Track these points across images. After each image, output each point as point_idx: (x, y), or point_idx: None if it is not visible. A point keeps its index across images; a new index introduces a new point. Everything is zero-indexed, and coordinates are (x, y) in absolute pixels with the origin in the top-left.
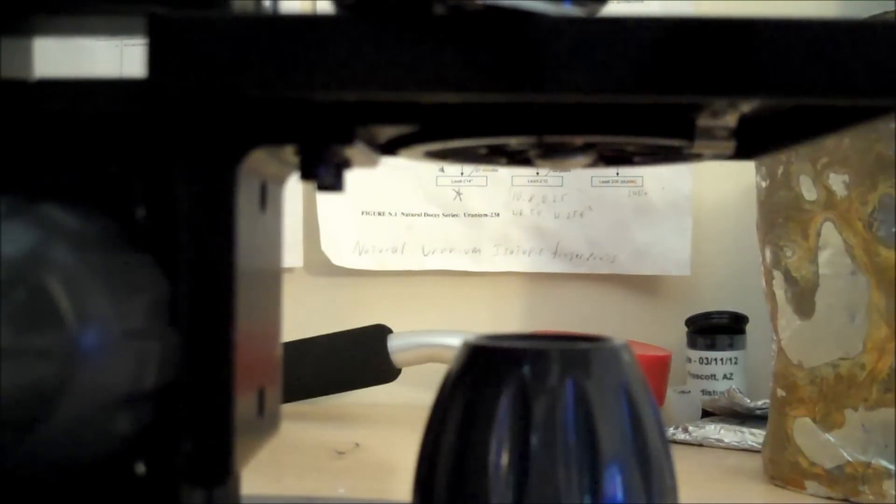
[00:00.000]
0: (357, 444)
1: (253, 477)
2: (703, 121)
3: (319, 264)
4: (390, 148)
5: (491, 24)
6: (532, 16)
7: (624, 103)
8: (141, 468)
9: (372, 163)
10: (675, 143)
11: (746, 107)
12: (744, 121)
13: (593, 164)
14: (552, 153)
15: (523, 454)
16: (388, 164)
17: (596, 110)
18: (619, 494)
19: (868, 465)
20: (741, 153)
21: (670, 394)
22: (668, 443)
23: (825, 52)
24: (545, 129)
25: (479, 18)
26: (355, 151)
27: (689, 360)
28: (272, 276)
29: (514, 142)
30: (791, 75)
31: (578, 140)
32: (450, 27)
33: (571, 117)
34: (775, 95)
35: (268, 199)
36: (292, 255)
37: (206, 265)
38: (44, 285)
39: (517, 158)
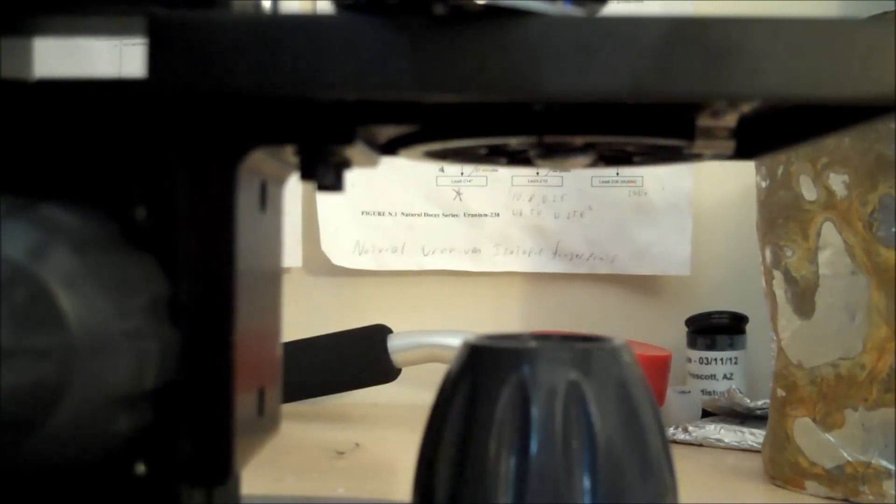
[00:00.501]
0: (357, 444)
1: (253, 477)
2: (703, 121)
3: (319, 264)
4: (390, 148)
5: (491, 25)
6: (532, 16)
7: (624, 103)
8: (141, 468)
9: (372, 163)
10: (675, 143)
11: (746, 107)
12: (744, 121)
13: (593, 164)
14: (552, 153)
15: (523, 454)
16: (388, 164)
17: (596, 110)
18: (619, 494)
19: (868, 465)
20: (741, 153)
21: (670, 394)
22: (668, 443)
23: (825, 52)
24: (545, 129)
25: (479, 18)
26: (355, 151)
27: (689, 360)
28: (272, 276)
29: (514, 142)
30: (791, 75)
31: (578, 140)
32: (450, 27)
33: (571, 117)
34: (775, 95)
35: (268, 199)
36: (292, 255)
37: (206, 265)
38: (44, 285)
39: (517, 158)
